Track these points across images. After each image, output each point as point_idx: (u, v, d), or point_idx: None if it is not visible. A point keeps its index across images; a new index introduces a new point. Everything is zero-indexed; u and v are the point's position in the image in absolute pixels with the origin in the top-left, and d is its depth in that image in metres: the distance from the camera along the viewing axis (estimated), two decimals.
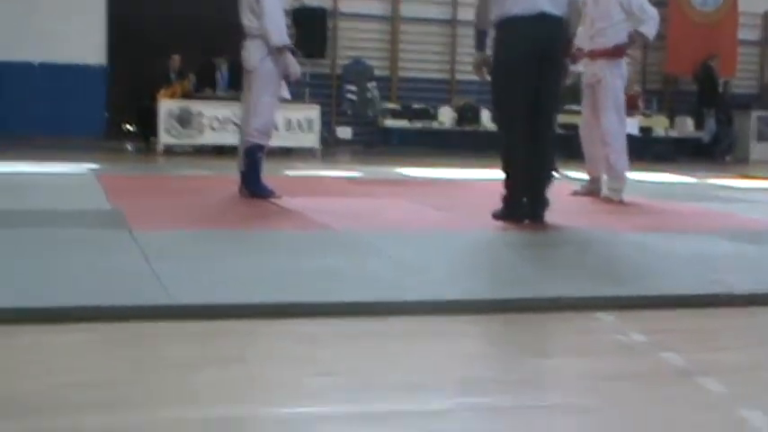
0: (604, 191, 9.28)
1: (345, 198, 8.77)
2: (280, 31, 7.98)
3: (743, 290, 4.60)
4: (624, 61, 9.37)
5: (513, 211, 6.90)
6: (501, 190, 7.02)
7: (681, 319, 4.15)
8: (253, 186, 8.17)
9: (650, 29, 9.01)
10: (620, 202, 8.95)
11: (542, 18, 6.78)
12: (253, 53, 8.09)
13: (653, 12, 9.00)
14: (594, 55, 9.17)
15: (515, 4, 6.78)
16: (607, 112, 9.09)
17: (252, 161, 8.16)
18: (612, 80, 9.10)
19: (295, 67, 8.21)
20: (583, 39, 8.87)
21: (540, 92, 6.82)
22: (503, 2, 6.86)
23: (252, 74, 8.13)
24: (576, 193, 9.43)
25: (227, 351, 3.34)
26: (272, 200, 7.93)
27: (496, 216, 6.95)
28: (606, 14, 9.02)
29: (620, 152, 9.13)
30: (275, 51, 8.01)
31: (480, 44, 7.30)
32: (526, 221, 6.85)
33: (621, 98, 9.25)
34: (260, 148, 8.17)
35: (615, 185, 9.14)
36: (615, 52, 9.15)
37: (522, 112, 6.81)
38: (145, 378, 2.96)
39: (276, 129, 10.57)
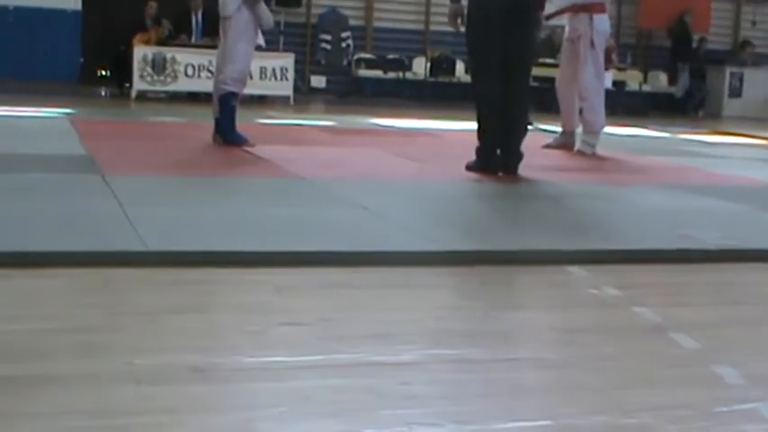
0: (578, 144, 9.29)
1: (318, 147, 8.74)
2: None
3: (714, 245, 4.62)
4: (606, 17, 9.34)
5: (487, 164, 6.89)
6: (475, 141, 7.01)
7: (653, 273, 4.17)
8: (227, 134, 8.12)
9: None
10: (593, 155, 8.98)
11: None
12: (229, 1, 8.02)
13: None
14: (577, 9, 9.12)
15: None
16: (586, 67, 9.07)
17: (226, 109, 8.11)
18: (593, 36, 9.05)
19: (268, 17, 8.15)
20: None
21: (514, 44, 6.81)
22: None
23: (227, 21, 8.07)
24: (548, 146, 9.43)
25: (197, 299, 3.33)
26: (246, 148, 7.90)
27: (470, 168, 6.95)
28: None
29: (596, 107, 9.15)
30: (249, 2, 7.94)
31: None
32: (500, 174, 6.86)
33: (601, 54, 9.21)
34: (234, 95, 8.12)
35: (589, 140, 9.16)
36: (597, 7, 9.11)
37: (496, 64, 6.80)
38: (116, 325, 2.95)
39: (251, 77, 10.52)
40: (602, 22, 9.19)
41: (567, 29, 9.46)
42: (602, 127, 9.30)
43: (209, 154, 7.70)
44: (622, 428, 2.29)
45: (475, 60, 7.16)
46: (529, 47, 7.06)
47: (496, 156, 6.92)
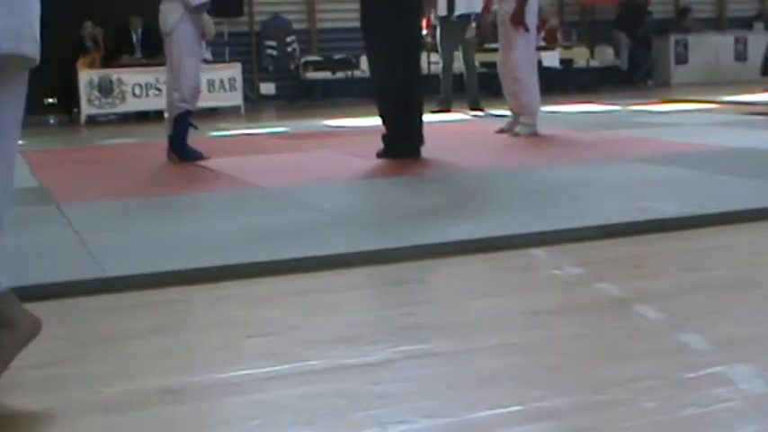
0: (516, 127, 9.29)
1: (272, 154, 8.72)
2: None
3: (671, 214, 4.66)
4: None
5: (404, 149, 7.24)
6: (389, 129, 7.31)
7: (614, 248, 4.20)
8: (181, 151, 8.11)
9: None
10: (537, 136, 9.01)
11: None
12: (169, 16, 7.98)
13: None
14: None
15: None
16: (516, 48, 9.06)
17: (181, 127, 8.12)
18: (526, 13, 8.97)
19: (210, 26, 8.13)
20: None
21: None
22: None
23: (170, 37, 8.03)
24: (501, 131, 9.47)
25: (164, 320, 3.32)
26: (201, 162, 7.88)
27: (381, 155, 7.40)
28: None
29: (529, 87, 9.12)
30: (192, 12, 7.91)
31: None
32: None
33: (533, 33, 9.23)
34: (189, 113, 8.13)
35: (526, 120, 9.19)
36: None
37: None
38: (82, 354, 2.94)
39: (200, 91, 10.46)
40: (530, 1, 9.10)
41: (498, 12, 9.44)
42: (538, 107, 9.31)
43: (163, 173, 7.68)
44: (594, 406, 2.31)
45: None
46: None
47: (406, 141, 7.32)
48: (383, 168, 7.17)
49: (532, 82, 9.17)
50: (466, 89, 13.62)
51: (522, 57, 9.07)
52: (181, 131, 8.14)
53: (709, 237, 4.40)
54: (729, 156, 7.01)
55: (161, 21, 8.14)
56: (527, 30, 9.01)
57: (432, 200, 5.71)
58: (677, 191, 5.41)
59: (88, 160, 9.18)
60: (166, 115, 8.32)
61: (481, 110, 13.05)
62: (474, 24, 13.09)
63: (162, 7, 8.10)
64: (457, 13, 13.02)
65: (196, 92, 8.22)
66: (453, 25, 13.11)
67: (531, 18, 9.16)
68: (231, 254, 4.15)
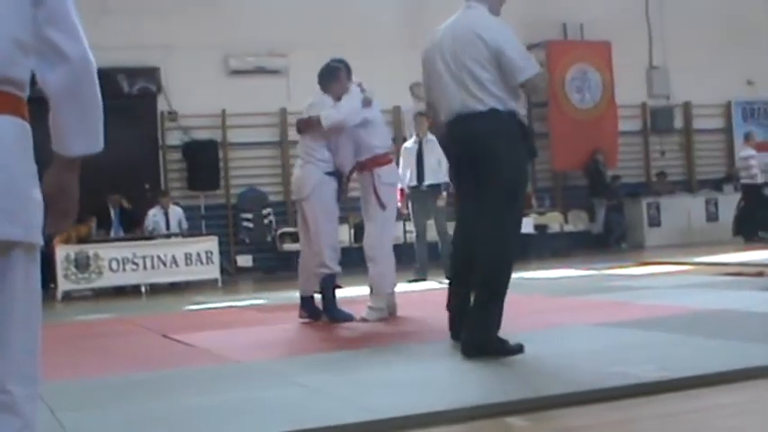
0: (363, 311, 8.36)
1: (250, 327, 8.70)
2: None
3: (650, 378, 4.67)
4: (394, 167, 8.92)
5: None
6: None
7: (592, 414, 4.19)
8: (332, 313, 8.31)
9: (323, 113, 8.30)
10: (385, 319, 8.23)
11: None
12: (308, 179, 8.34)
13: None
14: (360, 168, 8.61)
15: None
16: (371, 224, 8.57)
17: (329, 291, 8.35)
18: (379, 191, 8.44)
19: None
20: None
21: None
22: None
23: (308, 201, 8.37)
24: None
25: None
26: (177, 337, 7.84)
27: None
28: None
29: (384, 269, 8.44)
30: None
31: None
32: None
33: (392, 208, 8.66)
34: (333, 276, 8.41)
35: (375, 304, 8.36)
36: (380, 160, 8.53)
37: None
38: None
39: (176, 264, 10.52)
40: (389, 175, 8.58)
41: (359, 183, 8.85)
42: (393, 287, 8.54)
43: (138, 349, 7.63)
44: None
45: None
46: None
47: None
48: (362, 338, 7.17)
49: (388, 262, 8.47)
50: (440, 258, 13.70)
51: (376, 234, 8.47)
52: (329, 294, 8.33)
53: (685, 400, 4.40)
54: (704, 317, 7.06)
55: (295, 186, 8.54)
56: (383, 207, 8.39)
57: (406, 371, 5.68)
58: (653, 354, 5.42)
59: (64, 337, 9.10)
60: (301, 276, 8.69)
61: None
62: (444, 194, 13.29)
63: (298, 172, 8.48)
64: (426, 182, 13.23)
65: (336, 254, 8.42)
66: (423, 194, 13.31)
67: (388, 190, 8.56)
68: (207, 430, 4.12)
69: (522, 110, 6.30)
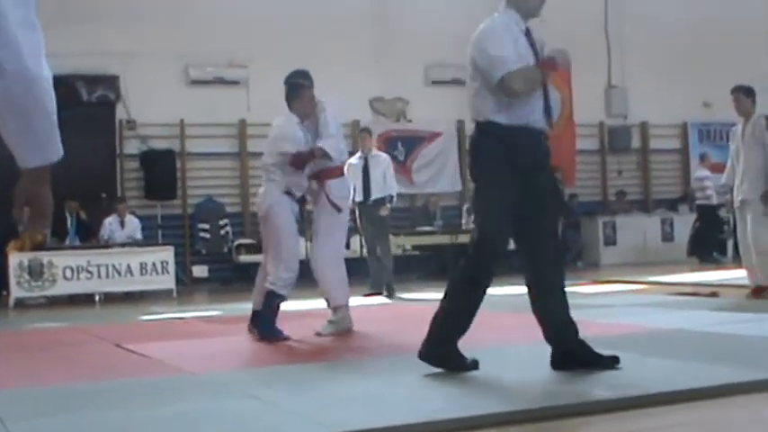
0: (323, 326, 8.33)
1: (205, 339, 8.67)
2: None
3: (600, 397, 4.68)
4: (345, 180, 8.75)
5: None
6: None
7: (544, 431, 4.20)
8: (264, 328, 8.07)
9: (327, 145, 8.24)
10: (348, 331, 8.24)
11: None
12: (267, 197, 8.28)
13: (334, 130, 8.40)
14: (312, 178, 8.50)
15: None
16: (320, 237, 8.48)
17: (268, 306, 8.15)
18: (330, 203, 8.42)
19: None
20: None
21: None
22: None
23: (266, 220, 8.29)
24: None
25: None
26: (131, 347, 7.79)
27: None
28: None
29: (335, 281, 8.38)
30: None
31: None
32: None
33: (343, 221, 8.62)
34: (280, 297, 8.19)
35: (334, 317, 8.35)
36: (332, 172, 8.49)
37: None
38: None
39: (131, 273, 10.44)
40: (340, 188, 8.52)
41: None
42: (347, 300, 8.43)
43: (92, 359, 7.57)
44: None
45: None
46: None
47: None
48: (319, 352, 7.15)
49: (339, 274, 8.37)
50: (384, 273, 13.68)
51: (327, 247, 8.39)
52: (267, 310, 8.13)
53: (637, 419, 4.41)
54: (658, 337, 7.10)
55: (257, 204, 8.52)
56: (339, 210, 8.39)
57: (361, 385, 5.66)
58: (607, 373, 5.43)
59: (15, 345, 9.03)
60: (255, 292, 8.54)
61: (390, 295, 13.21)
62: (389, 205, 13.44)
63: (260, 190, 8.47)
64: (373, 197, 13.32)
65: (290, 276, 8.15)
66: (370, 208, 13.37)
67: (340, 203, 8.48)
68: None
69: (538, 124, 6.55)
